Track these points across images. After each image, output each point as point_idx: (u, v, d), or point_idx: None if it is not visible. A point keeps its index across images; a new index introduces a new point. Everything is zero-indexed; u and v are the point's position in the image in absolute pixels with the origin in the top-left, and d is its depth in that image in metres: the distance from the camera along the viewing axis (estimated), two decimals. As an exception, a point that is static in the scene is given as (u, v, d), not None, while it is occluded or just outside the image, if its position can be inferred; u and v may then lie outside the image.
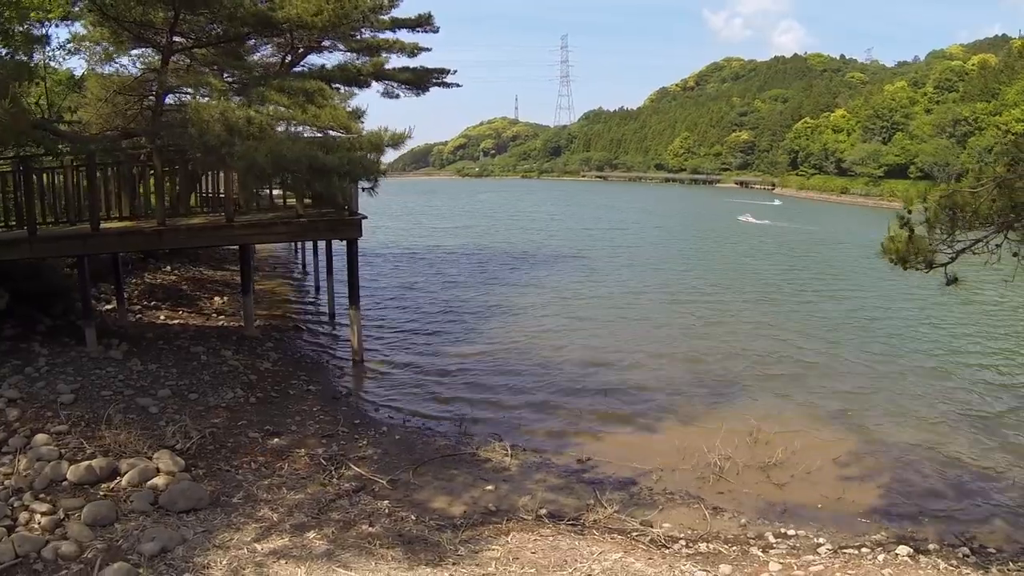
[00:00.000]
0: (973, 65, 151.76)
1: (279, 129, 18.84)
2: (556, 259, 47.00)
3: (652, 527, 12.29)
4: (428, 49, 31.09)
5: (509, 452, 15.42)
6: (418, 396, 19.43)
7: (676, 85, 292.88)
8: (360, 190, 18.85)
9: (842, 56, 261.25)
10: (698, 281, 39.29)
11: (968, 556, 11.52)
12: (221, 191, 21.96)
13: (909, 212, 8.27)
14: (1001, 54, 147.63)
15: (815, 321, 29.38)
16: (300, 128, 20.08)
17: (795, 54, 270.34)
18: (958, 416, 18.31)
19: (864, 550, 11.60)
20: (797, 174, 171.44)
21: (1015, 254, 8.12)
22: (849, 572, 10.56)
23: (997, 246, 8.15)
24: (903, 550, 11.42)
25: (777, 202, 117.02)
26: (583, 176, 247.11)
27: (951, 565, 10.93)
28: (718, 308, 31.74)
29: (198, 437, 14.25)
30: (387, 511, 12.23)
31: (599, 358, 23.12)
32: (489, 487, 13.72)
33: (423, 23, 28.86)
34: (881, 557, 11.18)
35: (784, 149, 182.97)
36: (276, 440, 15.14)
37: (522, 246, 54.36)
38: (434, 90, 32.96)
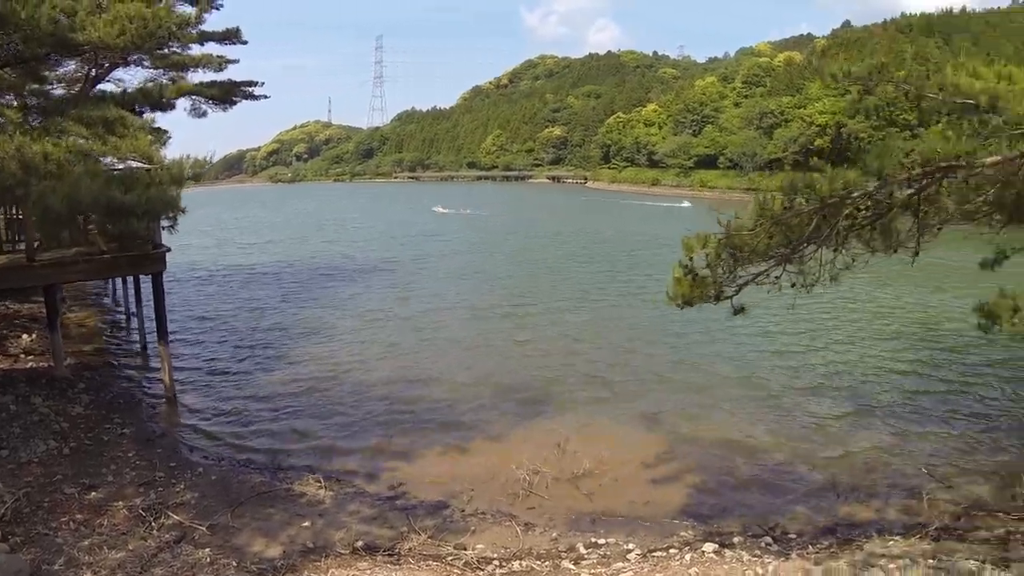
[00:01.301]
0: (779, 62, 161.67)
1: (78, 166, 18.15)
2: (364, 273, 46.57)
3: (466, 550, 12.47)
4: (236, 61, 30.37)
5: (323, 484, 15.29)
6: (232, 432, 18.98)
7: (490, 83, 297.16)
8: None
9: (655, 53, 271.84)
10: (505, 291, 39.60)
11: (771, 544, 12.32)
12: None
13: (691, 259, 8.71)
14: (806, 52, 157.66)
15: (621, 329, 30.11)
16: (100, 160, 19.41)
17: (609, 51, 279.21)
18: (758, 414, 19.41)
19: (672, 551, 12.13)
20: (609, 167, 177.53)
21: (793, 285, 8.74)
22: (657, 574, 10.95)
23: (777, 278, 8.71)
24: (709, 547, 12.05)
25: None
26: (395, 177, 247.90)
27: (754, 555, 11.65)
28: (525, 320, 32.06)
29: (12, 501, 13.42)
30: (209, 560, 11.89)
31: (408, 381, 23.06)
32: (305, 523, 13.54)
33: (231, 36, 28.12)
34: (688, 556, 11.72)
35: (597, 143, 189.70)
36: (93, 494, 14.40)
37: (331, 260, 53.69)
38: (247, 93, 32.30)
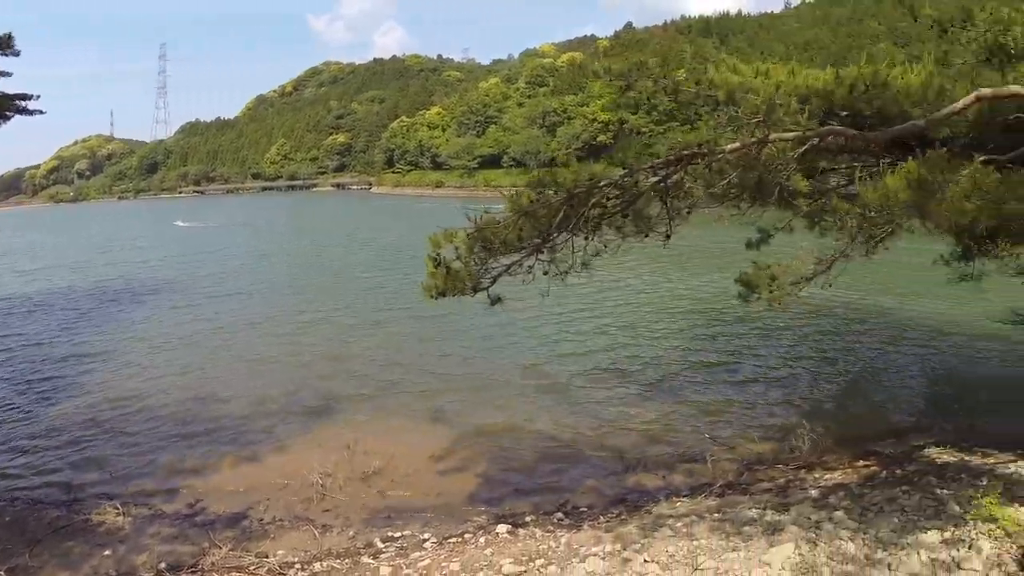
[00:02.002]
0: (563, 62, 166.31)
1: None
2: (149, 295, 44.68)
3: (268, 557, 12.46)
4: (8, 74, 28.38)
5: (121, 510, 14.74)
6: (23, 470, 17.86)
7: (274, 92, 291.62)
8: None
9: (440, 56, 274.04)
10: (290, 303, 39.11)
11: (562, 519, 12.94)
12: None
13: (438, 253, 9.06)
14: (589, 52, 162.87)
15: (407, 333, 30.28)
16: None
17: (394, 56, 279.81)
18: (544, 402, 20.17)
19: (467, 536, 12.52)
20: (393, 171, 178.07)
21: (545, 272, 9.22)
22: (455, 559, 11.30)
23: (530, 267, 9.19)
24: (502, 528, 12.51)
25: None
26: (180, 192, 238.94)
27: (547, 531, 12.17)
28: (310, 330, 31.66)
29: None
30: (10, 604, 11.45)
31: (199, 400, 22.47)
32: (107, 552, 13.10)
33: (2, 46, 26.35)
34: (483, 539, 12.12)
35: (381, 148, 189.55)
36: None
37: (113, 284, 51.34)
38: (24, 108, 30.18)
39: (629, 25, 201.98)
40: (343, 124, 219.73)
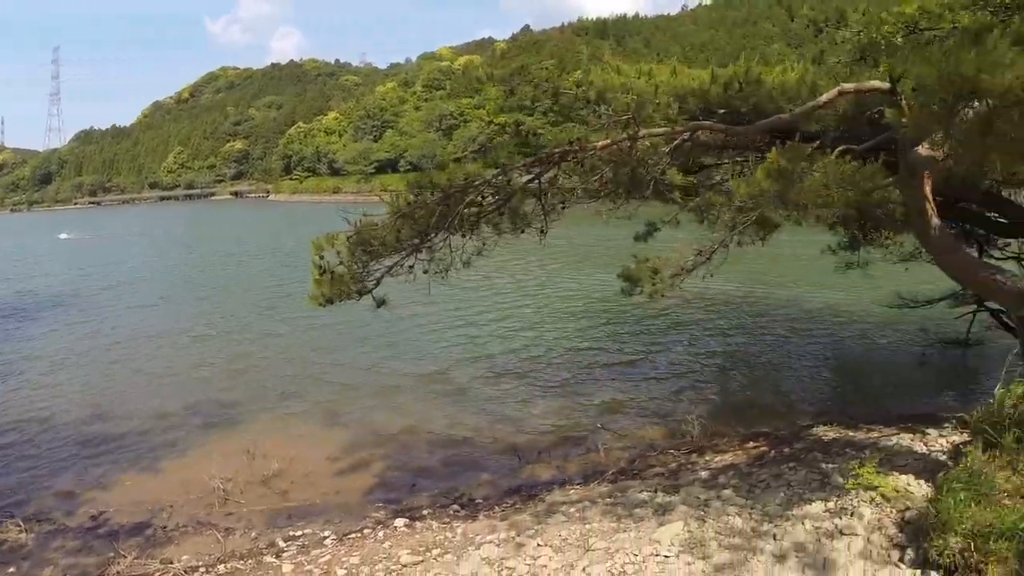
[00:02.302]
0: (459, 65, 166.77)
1: None
2: (48, 310, 43.80)
3: (172, 563, 12.48)
4: None
5: (24, 527, 14.49)
6: None
7: (171, 98, 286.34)
8: None
9: (337, 61, 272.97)
10: (189, 315, 38.68)
11: (459, 511, 13.31)
12: None
13: (321, 257, 9.32)
14: (486, 55, 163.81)
15: (305, 340, 30.10)
16: None
17: (291, 60, 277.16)
18: (441, 401, 20.53)
19: (367, 531, 12.78)
20: (291, 178, 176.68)
21: (425, 271, 9.57)
22: (355, 553, 11.53)
23: (411, 267, 9.52)
24: (400, 522, 12.82)
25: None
26: (76, 203, 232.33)
27: (444, 522, 12.49)
28: (209, 342, 31.16)
29: None
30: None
31: (100, 416, 22.08)
32: (11, 569, 12.93)
33: None
34: (381, 533, 12.40)
35: (278, 155, 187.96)
36: None
37: (8, 300, 50.16)
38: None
39: (527, 28, 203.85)
40: (240, 131, 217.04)
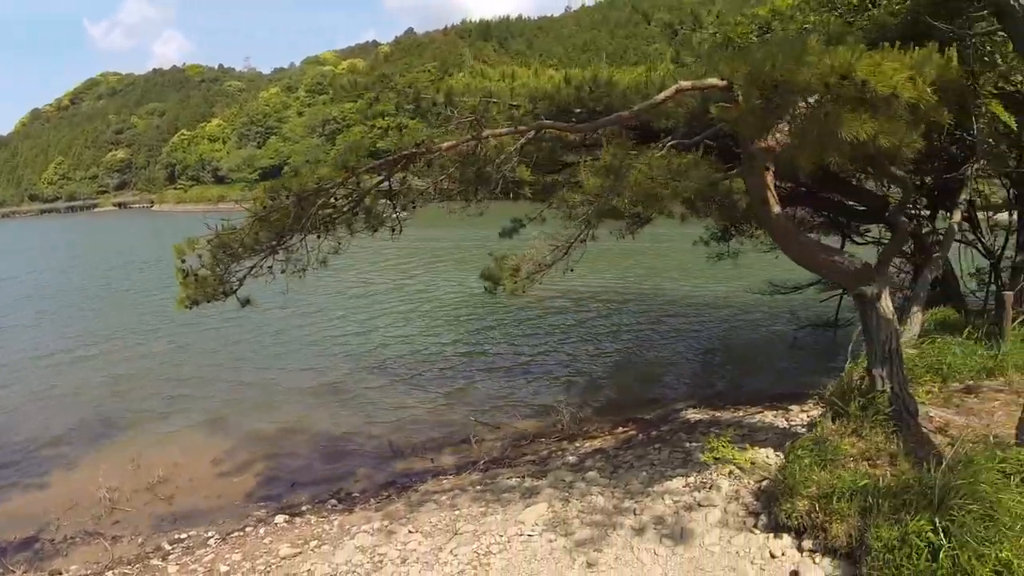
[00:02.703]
0: (343, 69, 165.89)
1: None
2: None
3: (62, 573, 12.69)
4: None
5: None
6: None
7: (50, 106, 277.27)
8: None
9: (220, 66, 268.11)
10: (74, 332, 37.98)
11: (336, 505, 13.89)
12: None
13: (183, 261, 9.67)
14: (370, 58, 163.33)
15: (185, 346, 30.23)
16: None
17: (174, 66, 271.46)
18: (320, 402, 21.14)
19: (248, 529, 13.14)
20: (175, 188, 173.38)
21: (283, 271, 9.97)
22: (237, 550, 11.87)
23: (270, 268, 9.94)
24: (281, 518, 13.23)
25: None
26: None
27: (322, 516, 12.98)
28: (91, 358, 30.80)
29: None
30: None
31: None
32: None
33: None
34: (263, 530, 12.79)
35: (162, 164, 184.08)
36: None
37: None
38: None
39: (410, 30, 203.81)
40: (123, 139, 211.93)
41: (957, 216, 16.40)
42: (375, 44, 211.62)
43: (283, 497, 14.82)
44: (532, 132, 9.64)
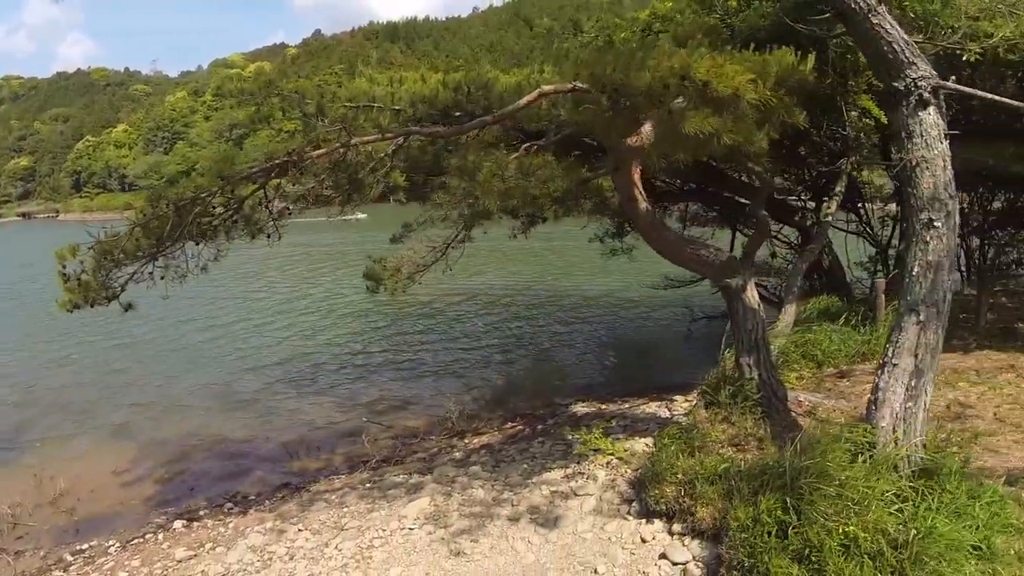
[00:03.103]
0: (251, 72, 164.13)
1: None
2: None
3: (-39, 594, 12.67)
4: None
5: None
6: None
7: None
8: None
9: (127, 69, 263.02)
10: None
11: (232, 508, 14.20)
12: None
13: (64, 266, 9.89)
14: (277, 61, 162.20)
15: (89, 361, 29.92)
16: None
17: (79, 69, 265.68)
18: (218, 407, 21.41)
19: (148, 536, 13.32)
20: (81, 196, 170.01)
21: (162, 277, 10.28)
22: (136, 557, 12.10)
23: (151, 274, 10.22)
24: (179, 523, 13.50)
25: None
26: None
27: (218, 520, 13.30)
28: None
29: None
30: None
31: None
32: None
33: None
34: (161, 535, 13.01)
35: (67, 171, 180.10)
36: None
37: None
38: None
39: (318, 32, 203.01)
40: (26, 146, 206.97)
41: (833, 207, 17.27)
42: (283, 46, 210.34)
43: (183, 503, 15.02)
44: (401, 138, 10.06)
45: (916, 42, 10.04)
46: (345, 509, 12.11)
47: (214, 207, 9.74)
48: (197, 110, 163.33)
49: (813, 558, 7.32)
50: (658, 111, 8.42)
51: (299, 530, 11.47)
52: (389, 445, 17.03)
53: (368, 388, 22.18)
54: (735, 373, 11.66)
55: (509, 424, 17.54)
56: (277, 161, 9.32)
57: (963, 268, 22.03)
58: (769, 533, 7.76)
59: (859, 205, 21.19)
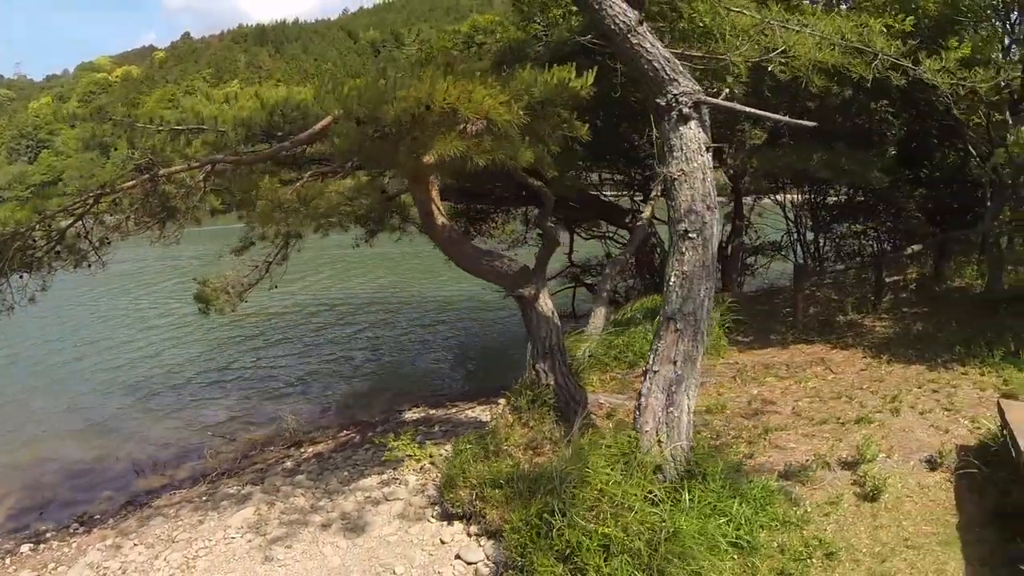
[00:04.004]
0: (118, 76, 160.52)
1: None
2: None
3: None
4: None
5: None
6: None
7: None
8: None
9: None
10: None
11: (78, 528, 14.55)
12: None
13: None
14: (145, 65, 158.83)
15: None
16: None
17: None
18: (69, 430, 21.59)
19: (-7, 565, 13.69)
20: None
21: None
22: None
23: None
24: (25, 547, 13.72)
25: None
26: None
27: (63, 540, 13.65)
28: None
29: None
30: None
31: None
32: None
33: None
34: (8, 560, 13.20)
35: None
36: None
37: None
38: None
39: (187, 35, 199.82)
40: None
41: (647, 212, 18.45)
42: (152, 49, 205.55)
43: (31, 526, 15.25)
44: (209, 166, 10.69)
45: (696, 56, 11.12)
46: (179, 522, 12.78)
47: (35, 240, 10.25)
48: (63, 117, 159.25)
49: (575, 558, 8.15)
50: (407, 140, 8.83)
51: (134, 545, 12.08)
52: (230, 458, 17.61)
53: (218, 402, 22.75)
54: (535, 378, 12.54)
55: (344, 432, 18.35)
56: (92, 193, 9.87)
57: (806, 262, 23.62)
58: (538, 534, 8.59)
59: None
